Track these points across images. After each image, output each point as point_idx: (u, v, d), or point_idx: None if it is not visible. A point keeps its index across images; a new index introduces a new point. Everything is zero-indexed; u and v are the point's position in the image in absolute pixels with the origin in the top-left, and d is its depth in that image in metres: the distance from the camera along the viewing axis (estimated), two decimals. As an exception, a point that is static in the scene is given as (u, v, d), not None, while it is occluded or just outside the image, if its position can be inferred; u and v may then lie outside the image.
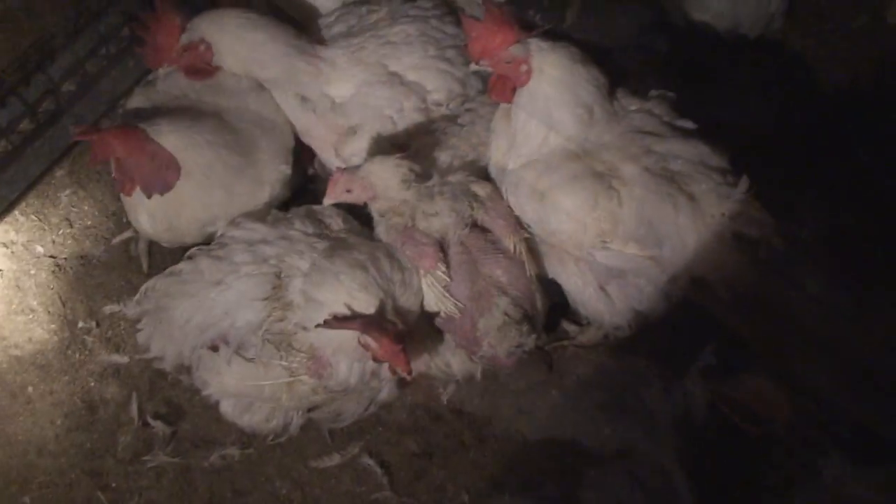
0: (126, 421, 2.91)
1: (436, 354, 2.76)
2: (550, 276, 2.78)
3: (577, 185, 2.53)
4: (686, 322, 2.80)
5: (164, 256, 3.12)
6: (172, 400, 2.96)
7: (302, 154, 3.09)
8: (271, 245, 2.60)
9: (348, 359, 2.44)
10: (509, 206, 2.68)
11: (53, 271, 3.20)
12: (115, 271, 3.20)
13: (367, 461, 2.80)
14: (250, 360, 2.51)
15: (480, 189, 2.68)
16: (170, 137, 2.68)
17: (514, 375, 2.90)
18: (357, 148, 2.93)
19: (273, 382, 2.50)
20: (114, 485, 2.81)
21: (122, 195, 2.82)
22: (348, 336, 2.36)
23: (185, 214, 2.77)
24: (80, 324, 3.09)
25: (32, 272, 3.20)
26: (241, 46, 2.89)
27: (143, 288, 2.72)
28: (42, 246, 3.26)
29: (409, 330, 2.46)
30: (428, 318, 2.62)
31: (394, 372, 2.40)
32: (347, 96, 2.95)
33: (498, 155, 2.73)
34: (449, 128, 2.91)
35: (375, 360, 2.35)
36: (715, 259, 2.56)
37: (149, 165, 2.66)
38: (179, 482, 2.81)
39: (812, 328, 2.69)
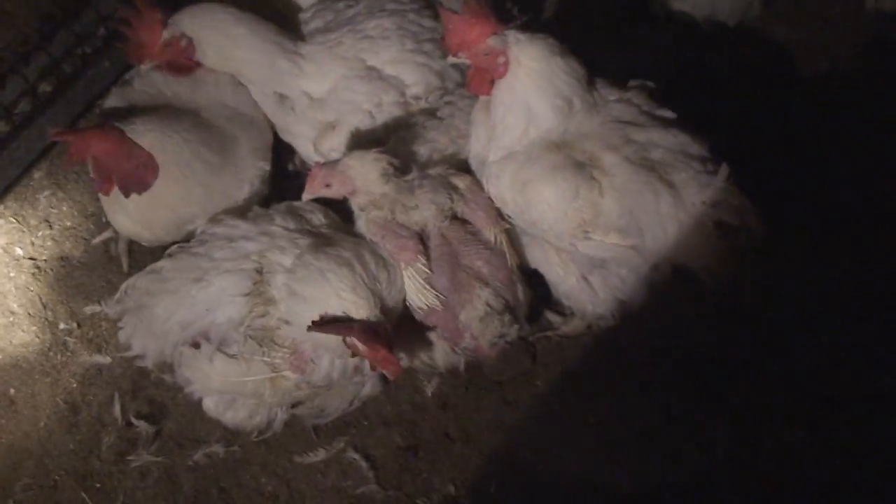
0: (109, 421, 2.90)
1: (419, 348, 2.75)
2: (533, 266, 2.79)
3: (558, 176, 2.52)
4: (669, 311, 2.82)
5: (145, 256, 3.11)
6: (156, 399, 2.95)
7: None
8: (252, 241, 2.59)
9: (330, 354, 2.44)
10: (489, 198, 2.67)
11: (33, 273, 3.19)
12: (95, 272, 3.19)
13: (353, 455, 2.80)
14: (232, 356, 2.50)
15: (460, 181, 2.69)
16: (147, 136, 2.67)
17: (498, 367, 2.89)
18: (336, 143, 2.93)
19: (256, 378, 2.49)
20: (98, 485, 2.81)
21: (100, 195, 2.82)
22: (325, 315, 2.36)
23: (163, 213, 2.77)
24: (62, 325, 3.08)
25: (12, 275, 3.19)
26: (223, 41, 2.89)
27: (123, 286, 2.71)
28: (21, 248, 3.24)
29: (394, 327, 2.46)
30: (410, 311, 2.61)
31: (373, 368, 2.39)
32: (325, 91, 2.94)
33: (478, 147, 2.73)
34: (428, 121, 2.90)
35: (356, 355, 2.35)
36: (696, 247, 2.56)
37: (126, 165, 2.66)
38: (164, 481, 2.80)
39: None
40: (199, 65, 2.96)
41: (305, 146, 3.02)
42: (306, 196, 2.65)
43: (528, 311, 2.75)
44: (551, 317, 3.00)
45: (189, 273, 2.57)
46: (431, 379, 2.90)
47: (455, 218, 2.65)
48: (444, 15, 2.59)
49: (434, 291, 2.54)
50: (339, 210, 2.77)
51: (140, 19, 2.88)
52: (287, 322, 2.45)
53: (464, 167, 2.80)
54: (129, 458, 2.83)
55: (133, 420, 2.88)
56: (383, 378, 2.75)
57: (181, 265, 2.61)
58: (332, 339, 2.36)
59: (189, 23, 2.87)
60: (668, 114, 2.68)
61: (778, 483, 2.69)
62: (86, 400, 2.95)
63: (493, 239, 2.64)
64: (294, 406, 2.73)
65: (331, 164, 2.63)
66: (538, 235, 2.67)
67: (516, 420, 2.86)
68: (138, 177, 2.68)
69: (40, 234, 3.27)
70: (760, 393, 2.83)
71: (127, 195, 2.69)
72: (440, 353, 2.73)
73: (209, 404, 2.69)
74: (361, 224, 2.67)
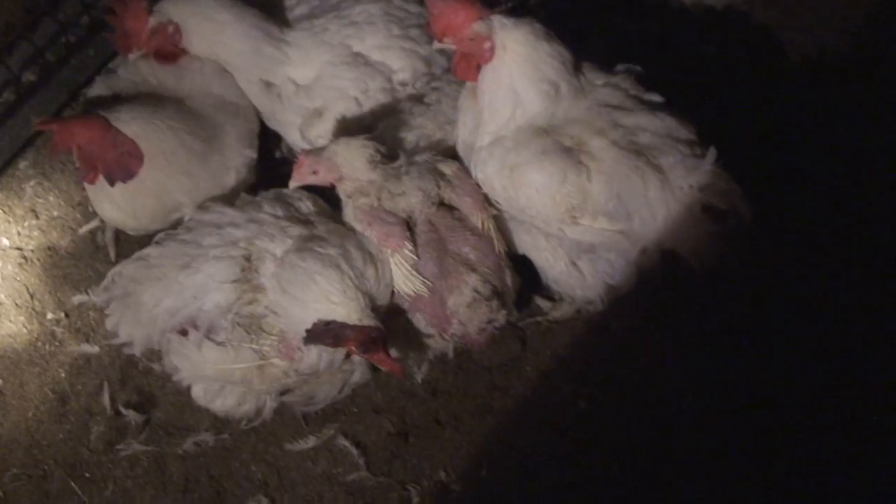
0: (98, 411, 2.90)
1: (408, 337, 2.75)
2: (521, 252, 2.79)
3: (546, 161, 2.52)
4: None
5: (132, 245, 3.09)
6: (144, 388, 2.94)
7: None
8: (240, 228, 2.58)
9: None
10: (477, 184, 2.67)
11: (20, 263, 3.17)
12: (82, 261, 3.17)
13: (343, 442, 2.80)
14: (220, 343, 2.48)
15: (447, 167, 2.68)
16: (131, 125, 2.67)
17: (488, 353, 2.89)
18: (322, 130, 2.92)
19: (244, 366, 2.48)
20: (87, 475, 2.81)
21: (86, 184, 2.80)
22: (318, 323, 2.36)
23: (149, 201, 2.76)
24: (49, 315, 3.07)
25: (-1, 265, 3.17)
26: (208, 27, 2.89)
27: (110, 273, 2.70)
28: (8, 238, 3.23)
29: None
30: (398, 299, 2.61)
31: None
32: (312, 78, 2.94)
33: (465, 133, 2.72)
34: (415, 107, 2.90)
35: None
36: (684, 231, 2.57)
37: (111, 154, 2.65)
38: (154, 470, 2.80)
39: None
40: (185, 52, 2.96)
41: (292, 133, 3.01)
42: (293, 183, 2.65)
43: (516, 297, 2.74)
44: (540, 302, 3.00)
45: (176, 260, 2.56)
46: (421, 365, 2.89)
47: (442, 204, 2.64)
48: (429, 0, 2.58)
49: (421, 278, 2.54)
50: (328, 198, 2.76)
51: (125, 8, 2.88)
52: (274, 312, 2.45)
53: (451, 153, 2.79)
54: (119, 447, 2.82)
55: (122, 409, 2.87)
56: (372, 365, 2.75)
57: (168, 252, 2.59)
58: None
59: (175, 8, 2.88)
60: (656, 98, 2.69)
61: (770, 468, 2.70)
62: (74, 390, 2.94)
63: (480, 225, 2.63)
64: (283, 394, 2.72)
65: (317, 151, 2.63)
66: (526, 221, 2.67)
67: (506, 405, 2.86)
68: (123, 165, 2.67)
69: (26, 223, 3.25)
70: (751, 379, 2.84)
71: (112, 184, 2.68)
72: (430, 340, 2.73)
73: (198, 392, 2.69)
74: (348, 211, 2.66)
